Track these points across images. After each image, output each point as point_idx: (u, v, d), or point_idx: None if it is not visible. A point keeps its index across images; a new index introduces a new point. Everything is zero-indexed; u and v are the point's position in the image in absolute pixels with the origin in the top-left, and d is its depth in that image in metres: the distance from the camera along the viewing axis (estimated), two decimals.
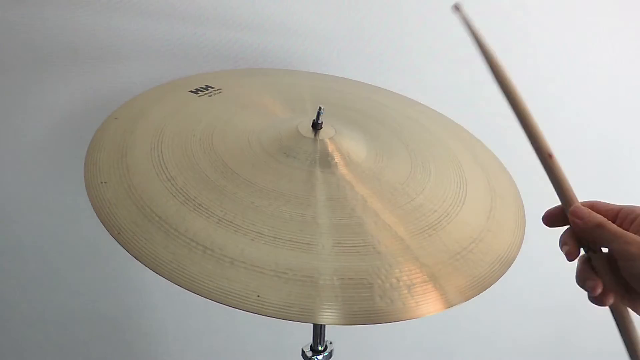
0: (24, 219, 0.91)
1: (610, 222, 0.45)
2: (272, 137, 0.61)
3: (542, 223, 0.50)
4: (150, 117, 0.64)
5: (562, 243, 0.46)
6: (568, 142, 1.08)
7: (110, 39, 0.80)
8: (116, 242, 0.48)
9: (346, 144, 0.61)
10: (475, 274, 0.51)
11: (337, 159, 0.59)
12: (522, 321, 1.28)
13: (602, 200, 0.49)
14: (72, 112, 0.84)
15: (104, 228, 0.50)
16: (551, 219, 0.48)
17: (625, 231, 0.44)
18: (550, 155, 0.47)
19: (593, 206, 0.48)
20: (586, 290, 0.45)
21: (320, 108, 0.60)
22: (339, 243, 0.50)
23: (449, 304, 0.48)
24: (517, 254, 0.57)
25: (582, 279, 0.45)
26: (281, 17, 0.84)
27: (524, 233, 0.60)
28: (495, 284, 0.52)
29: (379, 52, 0.91)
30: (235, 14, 0.83)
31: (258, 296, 0.45)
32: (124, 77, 0.83)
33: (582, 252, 0.47)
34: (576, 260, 0.47)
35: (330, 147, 0.60)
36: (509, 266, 0.55)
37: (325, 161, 0.59)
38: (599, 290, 0.44)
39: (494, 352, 1.34)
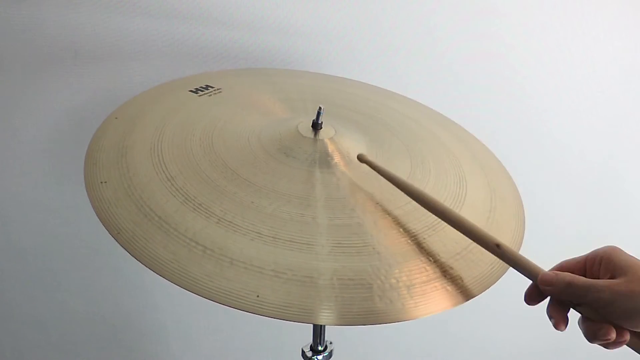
0: (24, 219, 0.91)
1: (578, 277, 0.45)
2: (272, 137, 0.61)
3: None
4: (150, 117, 0.64)
5: (549, 317, 0.46)
6: (565, 144, 1.08)
7: (110, 39, 0.80)
8: (116, 242, 0.48)
9: (346, 144, 0.61)
10: (474, 275, 0.51)
11: (337, 159, 0.59)
12: (521, 322, 1.28)
13: (568, 258, 0.49)
14: (72, 112, 0.84)
15: (104, 228, 0.50)
16: (531, 297, 0.48)
17: (594, 280, 0.44)
18: (498, 245, 0.48)
19: (562, 267, 0.49)
20: (603, 342, 0.44)
21: (320, 108, 0.60)
22: (338, 243, 0.50)
23: (448, 305, 0.48)
24: None
25: (592, 335, 0.44)
26: (281, 17, 0.85)
27: (523, 233, 0.60)
28: (494, 285, 0.52)
29: (379, 52, 0.91)
30: (235, 13, 0.83)
31: (257, 296, 0.45)
32: (124, 77, 0.83)
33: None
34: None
35: (330, 147, 0.60)
36: (509, 267, 0.54)
37: (325, 161, 0.59)
38: (613, 334, 0.43)
39: (493, 353, 1.34)
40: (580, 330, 0.45)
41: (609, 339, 0.43)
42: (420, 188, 0.54)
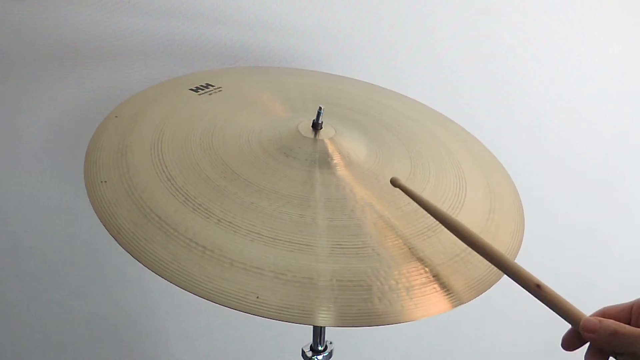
0: (24, 219, 0.91)
1: (624, 325, 0.42)
2: (272, 137, 0.61)
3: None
4: (150, 116, 0.64)
5: None
6: (565, 144, 1.08)
7: (110, 38, 0.80)
8: (116, 242, 0.48)
9: (346, 144, 0.61)
10: (474, 276, 0.51)
11: (337, 159, 0.59)
12: (521, 323, 1.28)
13: (611, 305, 0.47)
14: (72, 112, 0.84)
15: (104, 228, 0.50)
16: (570, 342, 0.46)
17: None
18: (538, 286, 0.45)
19: (604, 313, 0.46)
20: None
21: (320, 108, 0.60)
22: (338, 244, 0.50)
23: (448, 307, 0.48)
24: (517, 255, 0.57)
25: None
26: (282, 16, 0.84)
27: (523, 234, 0.60)
28: (494, 285, 0.52)
29: (380, 52, 0.91)
30: (235, 12, 0.83)
31: (257, 297, 0.45)
32: (124, 76, 0.83)
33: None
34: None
35: (330, 147, 0.60)
36: None
37: (325, 161, 0.59)
38: None
39: (493, 353, 1.34)
40: None
41: None
42: (457, 219, 0.51)
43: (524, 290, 0.46)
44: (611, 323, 0.43)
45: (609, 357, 0.44)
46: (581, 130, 1.07)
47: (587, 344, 0.45)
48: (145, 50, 0.82)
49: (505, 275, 0.52)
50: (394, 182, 0.56)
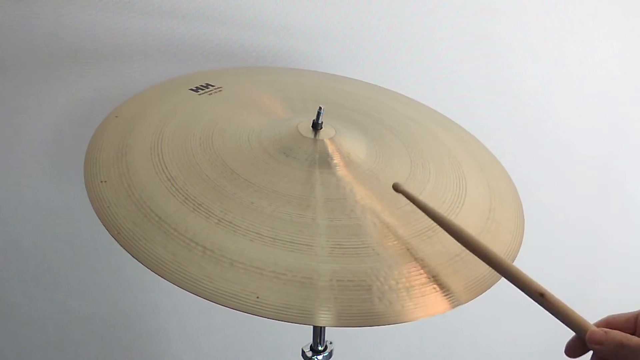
0: (24, 219, 0.91)
1: (630, 337, 0.42)
2: (272, 137, 0.61)
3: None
4: (150, 116, 0.64)
5: None
6: (564, 144, 1.08)
7: (110, 38, 0.80)
8: (116, 242, 0.48)
9: (346, 144, 0.61)
10: (474, 276, 0.51)
11: (337, 159, 0.59)
12: (521, 322, 1.28)
13: (616, 313, 0.46)
14: (72, 112, 0.84)
15: (104, 228, 0.50)
16: (573, 350, 0.45)
17: None
18: (542, 294, 0.45)
19: (608, 323, 0.46)
20: None
21: (320, 108, 0.60)
22: (338, 244, 0.50)
23: (448, 307, 0.48)
24: (517, 255, 0.57)
25: None
26: (282, 16, 0.84)
27: (523, 233, 0.60)
28: (494, 285, 0.52)
29: (380, 52, 0.91)
30: (235, 12, 0.83)
31: (257, 297, 0.45)
32: (124, 76, 0.83)
33: None
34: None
35: (330, 148, 0.60)
36: None
37: (325, 161, 0.58)
38: None
39: (493, 354, 1.34)
40: None
41: None
42: (461, 226, 0.51)
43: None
44: (617, 334, 0.42)
45: None
46: (581, 130, 1.07)
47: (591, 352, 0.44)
48: (145, 50, 0.82)
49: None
50: (396, 188, 0.55)
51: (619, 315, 0.46)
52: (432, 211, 0.53)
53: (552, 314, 0.45)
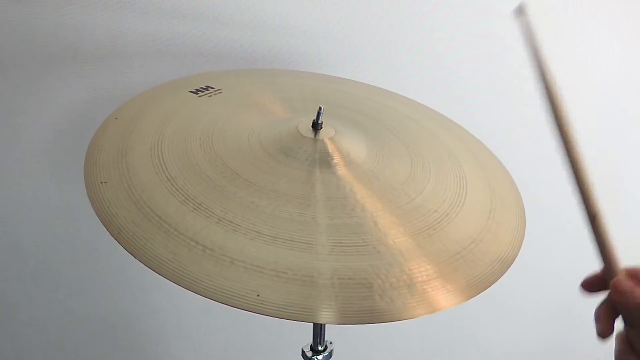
0: (24, 219, 0.91)
1: None
2: (272, 137, 0.61)
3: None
4: (150, 117, 0.64)
5: (596, 319, 0.41)
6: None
7: (110, 39, 0.80)
8: (116, 242, 0.48)
9: (346, 144, 0.61)
10: (475, 274, 0.51)
11: (337, 159, 0.59)
12: (522, 322, 1.28)
13: None
14: (72, 112, 0.84)
15: (104, 228, 0.50)
16: (590, 285, 0.43)
17: None
18: (594, 216, 0.42)
19: (638, 274, 0.42)
20: None
21: (320, 108, 0.60)
22: (338, 243, 0.50)
23: (448, 304, 0.48)
24: (517, 254, 0.57)
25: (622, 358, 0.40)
26: (281, 17, 0.85)
27: (524, 233, 0.60)
28: (495, 284, 0.52)
29: (380, 52, 0.91)
30: (235, 12, 0.83)
31: (258, 295, 0.45)
32: (124, 77, 0.83)
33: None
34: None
35: (330, 147, 0.60)
36: (509, 266, 0.54)
37: (325, 161, 0.59)
38: None
39: (493, 354, 1.34)
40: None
41: None
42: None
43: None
44: None
45: (613, 326, 0.41)
46: (581, 130, 1.07)
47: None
48: (145, 51, 0.82)
49: (505, 274, 0.52)
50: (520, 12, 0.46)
51: None
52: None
53: (595, 240, 0.42)
